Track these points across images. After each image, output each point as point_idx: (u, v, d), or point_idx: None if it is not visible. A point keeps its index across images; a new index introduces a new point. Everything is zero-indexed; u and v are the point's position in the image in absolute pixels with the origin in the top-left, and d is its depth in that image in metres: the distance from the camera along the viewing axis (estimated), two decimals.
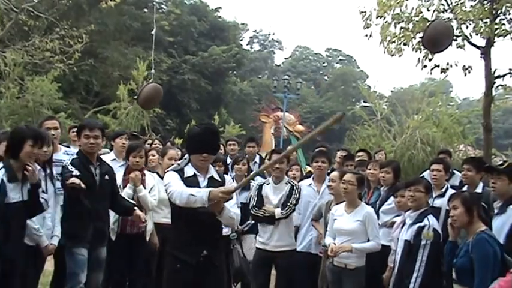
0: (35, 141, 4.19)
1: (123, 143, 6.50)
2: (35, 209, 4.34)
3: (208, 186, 4.04)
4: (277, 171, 5.82)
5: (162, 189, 5.85)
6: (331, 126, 3.86)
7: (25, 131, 4.29)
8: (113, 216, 5.53)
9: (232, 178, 6.06)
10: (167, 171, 4.37)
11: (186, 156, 4.25)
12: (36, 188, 4.28)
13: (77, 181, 4.48)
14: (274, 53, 67.80)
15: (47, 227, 4.66)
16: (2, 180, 4.02)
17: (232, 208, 3.99)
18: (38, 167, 4.50)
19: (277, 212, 5.61)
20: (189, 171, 4.10)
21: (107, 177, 5.01)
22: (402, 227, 4.92)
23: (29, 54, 15.41)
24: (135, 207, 5.28)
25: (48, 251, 4.70)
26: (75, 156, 4.92)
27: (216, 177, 4.22)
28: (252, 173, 5.73)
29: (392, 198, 5.63)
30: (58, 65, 15.80)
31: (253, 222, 6.20)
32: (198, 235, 3.99)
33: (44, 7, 19.30)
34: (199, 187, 4.00)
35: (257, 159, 8.31)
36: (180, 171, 4.10)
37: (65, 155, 5.29)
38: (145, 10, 30.68)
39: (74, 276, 4.74)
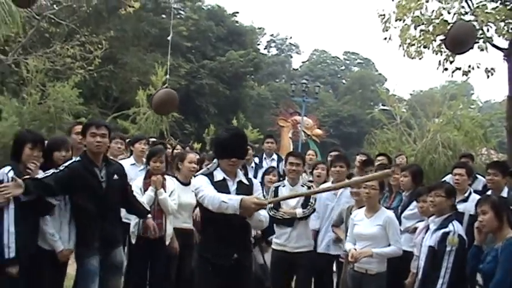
0: (34, 144, 4.41)
1: (143, 148, 6.55)
2: (43, 207, 4.42)
3: (237, 190, 4.13)
4: (293, 173, 5.82)
5: (182, 193, 5.89)
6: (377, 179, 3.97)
7: (25, 135, 4.54)
8: (133, 219, 5.56)
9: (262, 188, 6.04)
10: (196, 175, 4.39)
11: (215, 160, 4.28)
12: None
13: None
14: (291, 57, 67.95)
15: (64, 231, 4.62)
16: (12, 178, 4.16)
17: (261, 211, 4.01)
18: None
19: (299, 211, 5.61)
20: (219, 175, 4.17)
21: (116, 176, 4.84)
22: (425, 232, 4.85)
23: (51, 61, 15.59)
24: (149, 215, 5.31)
25: (64, 256, 4.64)
26: (77, 159, 4.72)
27: (245, 181, 4.28)
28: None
29: (414, 203, 5.57)
30: (79, 71, 15.98)
31: None
32: (228, 238, 4.05)
33: (64, 14, 19.51)
34: (229, 191, 4.07)
35: (275, 156, 8.37)
36: (210, 175, 4.16)
37: None
38: (163, 16, 30.90)
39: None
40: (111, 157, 5.43)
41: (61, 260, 4.67)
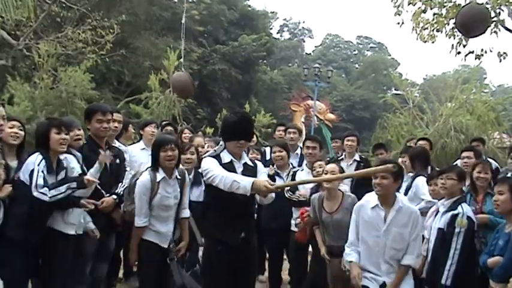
0: (59, 128, 4.34)
1: (153, 132, 6.54)
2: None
3: (243, 171, 4.21)
4: (310, 157, 5.95)
5: None
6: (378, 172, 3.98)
7: (46, 122, 4.47)
8: None
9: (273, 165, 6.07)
10: (204, 157, 4.45)
11: (222, 142, 4.34)
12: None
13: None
14: (304, 41, 67.54)
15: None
16: (42, 171, 4.11)
17: None
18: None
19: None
20: (226, 157, 4.24)
21: (117, 160, 5.00)
22: (435, 215, 4.86)
23: (62, 46, 15.59)
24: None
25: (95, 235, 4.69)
26: (84, 142, 4.88)
27: (249, 163, 4.37)
28: (298, 181, 5.62)
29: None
30: (90, 55, 15.95)
31: None
32: (235, 217, 4.14)
33: None
34: (236, 172, 4.14)
35: (299, 150, 8.21)
36: (217, 157, 4.23)
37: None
38: (175, 0, 30.76)
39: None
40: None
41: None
